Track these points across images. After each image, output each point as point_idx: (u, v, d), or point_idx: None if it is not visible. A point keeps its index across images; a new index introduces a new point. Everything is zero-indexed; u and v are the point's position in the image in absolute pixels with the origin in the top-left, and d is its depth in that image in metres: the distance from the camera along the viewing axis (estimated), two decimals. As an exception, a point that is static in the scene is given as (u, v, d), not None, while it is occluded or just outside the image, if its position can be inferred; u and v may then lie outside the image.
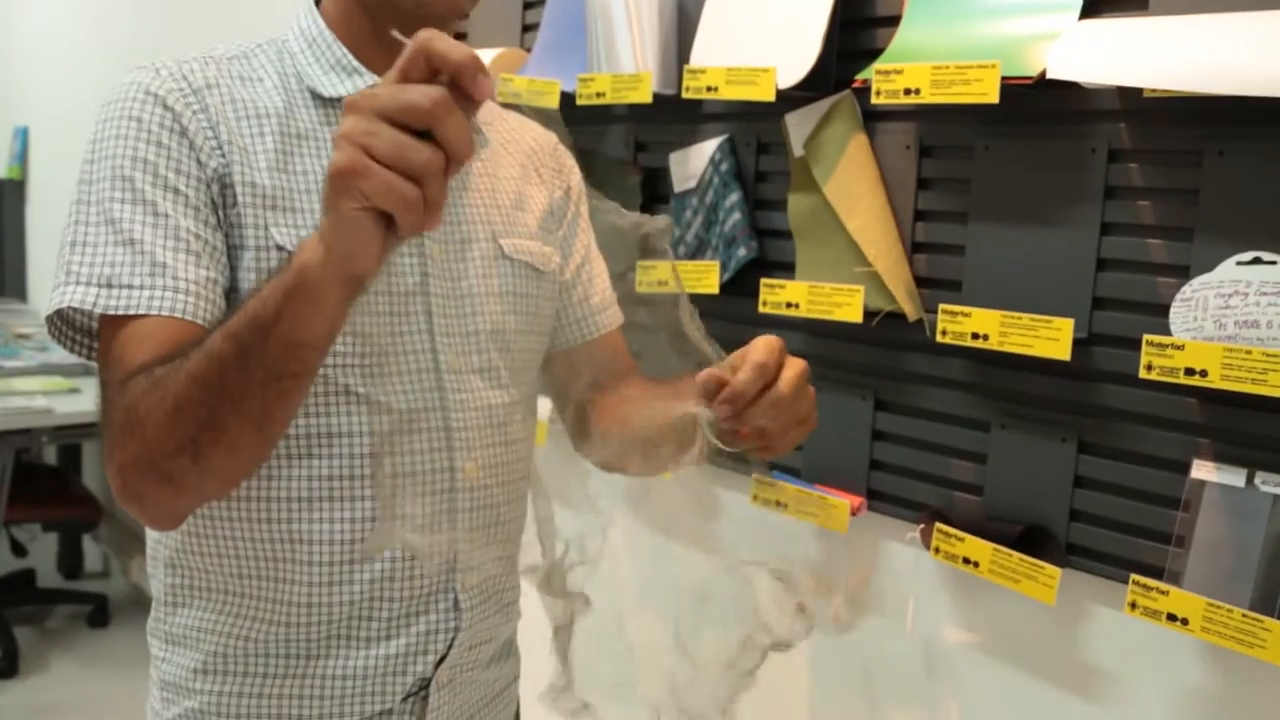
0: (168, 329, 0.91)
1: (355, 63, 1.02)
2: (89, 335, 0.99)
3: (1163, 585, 1.22)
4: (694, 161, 1.72)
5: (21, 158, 5.03)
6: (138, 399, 0.85)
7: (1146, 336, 1.19)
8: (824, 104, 1.53)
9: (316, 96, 1.02)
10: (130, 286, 0.91)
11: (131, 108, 0.95)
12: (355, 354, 0.98)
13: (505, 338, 1.10)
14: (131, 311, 0.90)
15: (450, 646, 1.06)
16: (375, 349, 0.99)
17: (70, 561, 4.11)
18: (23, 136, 5.02)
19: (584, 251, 1.24)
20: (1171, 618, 1.21)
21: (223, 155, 0.96)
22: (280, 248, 0.95)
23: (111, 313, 0.91)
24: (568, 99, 1.79)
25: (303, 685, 1.03)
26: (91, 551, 4.25)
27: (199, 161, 0.95)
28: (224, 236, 0.96)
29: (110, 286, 0.91)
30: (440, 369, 1.03)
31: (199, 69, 0.99)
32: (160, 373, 0.85)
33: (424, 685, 1.06)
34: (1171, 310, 1.22)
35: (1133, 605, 1.24)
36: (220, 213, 0.96)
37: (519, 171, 1.16)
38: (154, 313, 0.90)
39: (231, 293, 0.97)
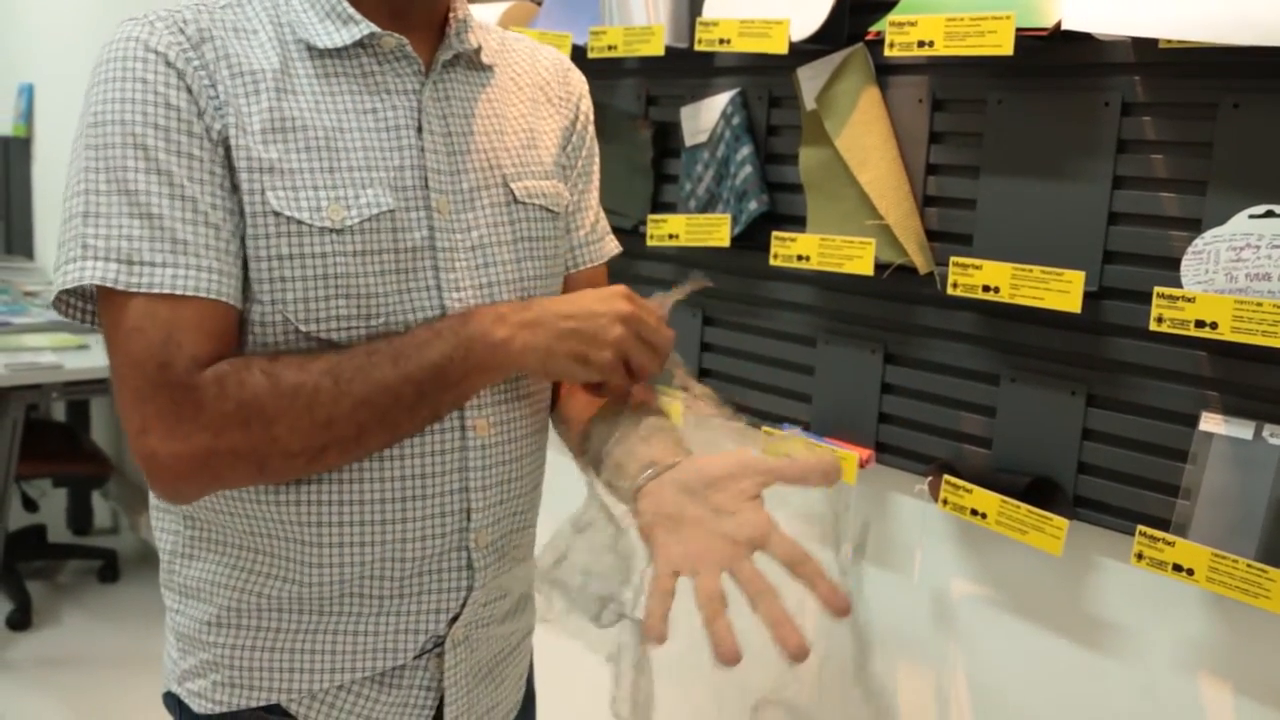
0: (206, 313, 0.91)
1: (351, 10, 0.99)
2: (94, 301, 0.97)
3: (1169, 536, 1.23)
4: (705, 115, 1.71)
5: (27, 115, 5.01)
6: (260, 399, 0.90)
7: (1157, 289, 1.19)
8: (836, 57, 1.52)
9: (311, 49, 0.98)
10: (152, 264, 0.89)
11: (134, 67, 0.91)
12: (361, 316, 0.96)
13: (525, 285, 1.07)
14: (155, 290, 0.89)
15: (464, 605, 1.07)
16: (382, 310, 0.97)
17: (80, 517, 4.14)
18: (28, 94, 5.00)
19: (583, 182, 1.19)
20: (1177, 568, 1.22)
21: (223, 118, 0.93)
22: (277, 214, 0.93)
23: (134, 290, 0.90)
24: (579, 52, 1.78)
25: (315, 640, 1.04)
26: (101, 507, 4.28)
27: (205, 124, 0.92)
28: (236, 197, 0.94)
29: (131, 263, 0.89)
30: None
31: (192, 19, 0.96)
32: (293, 379, 0.91)
33: (439, 642, 1.07)
34: (1183, 263, 1.22)
35: (1139, 556, 1.25)
36: (229, 174, 0.94)
37: (529, 106, 1.12)
38: (179, 292, 0.90)
39: (240, 243, 0.94)
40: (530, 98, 1.13)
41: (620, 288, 1.04)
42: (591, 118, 1.20)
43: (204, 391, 0.90)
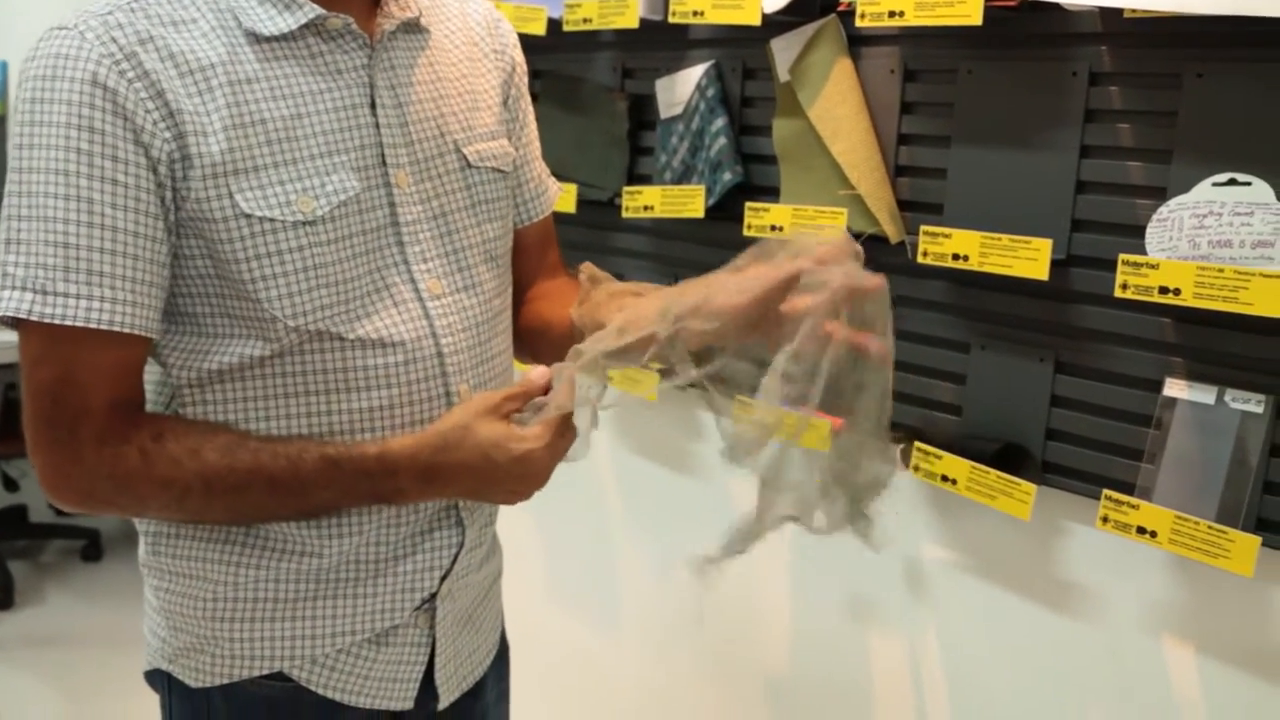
0: (112, 349, 0.92)
1: None
2: None
3: (1133, 500, 1.26)
4: (680, 88, 1.72)
5: (2, 93, 4.97)
6: (132, 478, 0.94)
7: (1122, 255, 1.21)
8: (809, 28, 1.52)
9: (254, 36, 0.95)
10: (66, 295, 0.89)
11: (60, 88, 0.88)
12: (340, 302, 0.98)
13: (487, 248, 1.09)
14: (68, 322, 0.89)
15: (455, 560, 1.09)
16: (357, 293, 0.98)
17: (62, 497, 4.13)
18: (2, 71, 4.96)
19: (525, 134, 1.20)
20: (1141, 531, 1.25)
21: (169, 129, 0.91)
22: (248, 216, 0.93)
23: (47, 320, 0.89)
24: (554, 25, 1.78)
25: (316, 607, 1.05)
26: (83, 487, 4.28)
27: (139, 144, 0.90)
28: (169, 225, 0.93)
29: (45, 293, 0.89)
30: (422, 297, 1.03)
31: (127, 22, 0.91)
32: (165, 473, 0.94)
33: (431, 598, 1.09)
34: (1147, 230, 1.24)
35: (1104, 519, 1.27)
36: (170, 192, 0.92)
37: (467, 65, 1.11)
38: (92, 325, 0.90)
39: (206, 260, 0.95)
40: (467, 55, 1.12)
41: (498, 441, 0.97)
42: (525, 68, 1.20)
43: (84, 449, 0.93)
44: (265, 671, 1.05)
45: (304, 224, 0.95)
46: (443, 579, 1.09)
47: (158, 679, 1.11)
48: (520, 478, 0.97)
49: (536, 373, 1.00)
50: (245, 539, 1.03)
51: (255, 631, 1.05)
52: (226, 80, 0.93)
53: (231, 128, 0.93)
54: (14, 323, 0.92)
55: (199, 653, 1.06)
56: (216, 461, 0.94)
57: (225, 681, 1.06)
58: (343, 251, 0.97)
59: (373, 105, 1.01)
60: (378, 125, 1.00)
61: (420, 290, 1.02)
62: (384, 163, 1.01)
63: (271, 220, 0.93)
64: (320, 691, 1.06)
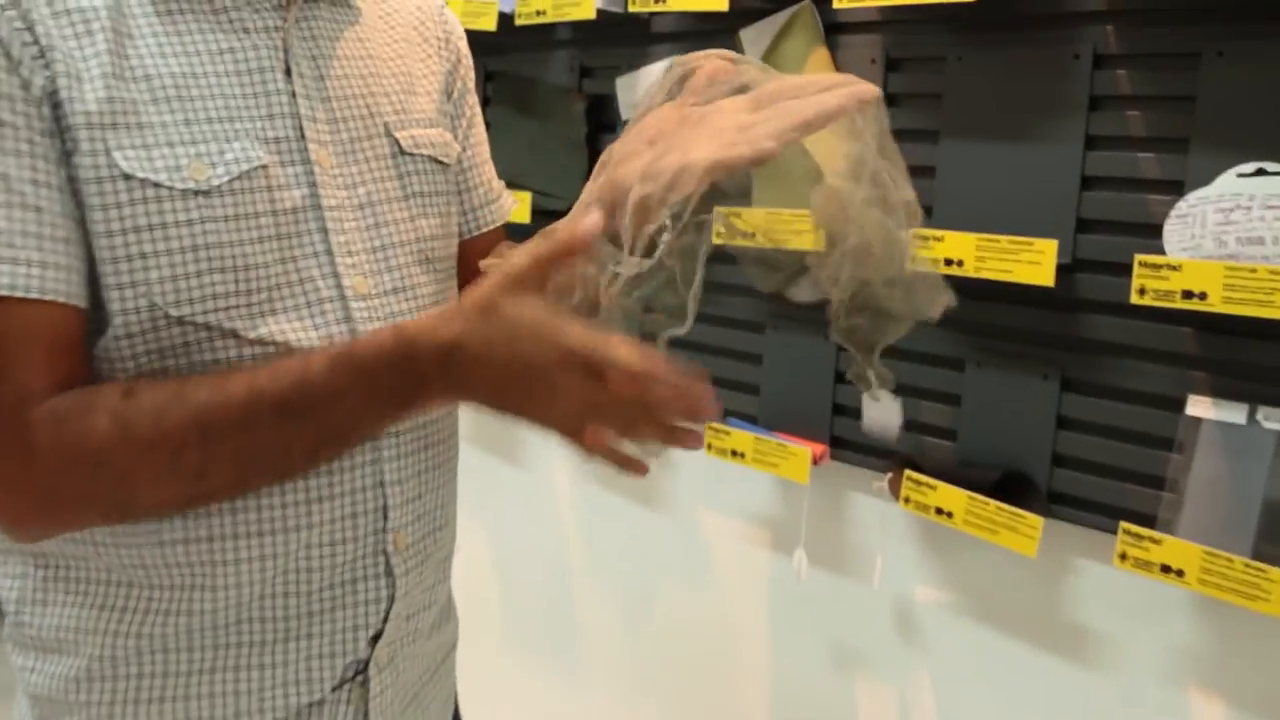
0: (33, 319, 0.78)
1: None
2: None
3: (1155, 534, 1.17)
4: (643, 86, 1.63)
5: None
6: (108, 452, 0.77)
7: (1139, 256, 1.12)
8: (781, 16, 1.44)
9: None
10: None
11: None
12: (240, 292, 0.84)
13: (421, 246, 0.96)
14: None
15: (385, 620, 0.94)
16: (264, 283, 0.85)
17: None
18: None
19: (474, 134, 1.10)
20: (1166, 569, 1.16)
21: (47, 67, 0.79)
22: (128, 177, 0.80)
23: None
24: (506, 21, 1.69)
25: (213, 681, 0.90)
26: None
27: (21, 79, 0.78)
28: (66, 170, 0.80)
29: None
30: (346, 296, 0.89)
31: None
32: (148, 432, 0.78)
33: (361, 668, 0.94)
34: (1166, 227, 1.15)
35: (1122, 556, 1.19)
36: (59, 139, 0.80)
37: (404, 48, 1.01)
38: None
39: (78, 227, 0.81)
40: (404, 38, 1.01)
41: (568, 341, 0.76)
42: (471, 63, 1.10)
43: (37, 432, 0.77)
44: None
45: (196, 193, 0.81)
46: (373, 641, 0.93)
47: None
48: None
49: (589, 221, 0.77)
50: (125, 599, 0.87)
51: (141, 714, 0.89)
52: (110, 28, 0.81)
53: (111, 76, 0.80)
54: None
55: None
56: (208, 399, 0.78)
57: None
58: (245, 233, 0.83)
59: (288, 72, 0.88)
60: (294, 94, 0.88)
61: (344, 288, 0.89)
62: (303, 136, 0.88)
63: (156, 185, 0.80)
64: None
